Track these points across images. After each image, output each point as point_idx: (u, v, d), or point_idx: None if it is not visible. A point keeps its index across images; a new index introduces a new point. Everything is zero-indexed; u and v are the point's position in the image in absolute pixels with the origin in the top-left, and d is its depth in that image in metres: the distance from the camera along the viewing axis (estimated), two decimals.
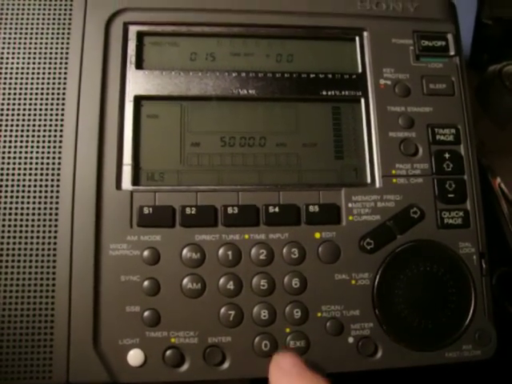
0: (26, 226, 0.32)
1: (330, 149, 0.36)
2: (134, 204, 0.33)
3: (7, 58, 0.34)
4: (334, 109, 0.36)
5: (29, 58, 0.34)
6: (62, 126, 0.33)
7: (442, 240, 0.34)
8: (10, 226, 0.32)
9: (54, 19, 0.35)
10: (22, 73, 0.34)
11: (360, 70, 0.37)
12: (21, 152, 0.33)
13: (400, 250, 0.34)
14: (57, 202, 0.32)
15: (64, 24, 0.35)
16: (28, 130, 0.33)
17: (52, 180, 0.32)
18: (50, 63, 0.34)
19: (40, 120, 0.33)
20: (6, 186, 0.32)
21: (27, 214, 0.32)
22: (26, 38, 0.35)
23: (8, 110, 0.33)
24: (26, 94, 0.34)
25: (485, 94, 0.48)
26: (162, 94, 0.35)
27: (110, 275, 0.32)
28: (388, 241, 0.34)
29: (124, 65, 0.35)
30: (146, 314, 0.32)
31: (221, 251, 0.33)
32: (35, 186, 0.32)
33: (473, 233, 0.35)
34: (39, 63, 0.34)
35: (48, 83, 0.34)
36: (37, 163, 0.33)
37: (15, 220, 0.32)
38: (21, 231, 0.32)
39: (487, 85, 0.48)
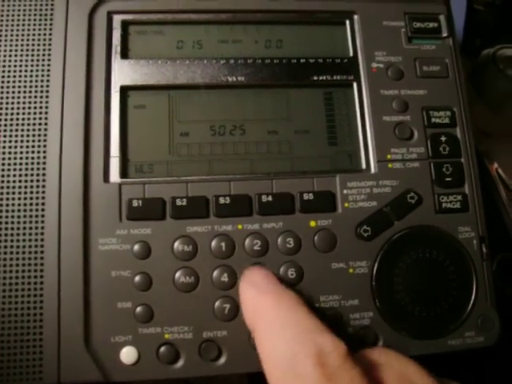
0: (12, 222, 0.31)
1: (322, 135, 0.35)
2: (122, 197, 0.32)
3: None
4: (326, 94, 0.35)
5: (11, 51, 0.33)
6: (46, 118, 0.32)
7: (440, 225, 0.33)
8: None
9: (35, 10, 0.34)
10: (5, 65, 0.33)
11: (351, 54, 0.36)
12: (4, 147, 0.32)
13: (398, 236, 0.33)
14: (43, 197, 0.31)
15: (46, 15, 0.34)
16: (12, 124, 0.32)
17: (37, 174, 0.31)
18: (32, 55, 0.33)
19: (24, 113, 0.32)
20: None
21: (13, 211, 0.31)
22: (7, 30, 0.34)
23: None
24: (8, 86, 0.33)
25: (479, 79, 0.48)
26: (148, 83, 0.34)
27: (99, 271, 0.31)
28: (385, 227, 0.33)
29: (109, 55, 0.34)
30: (139, 309, 0.31)
31: (213, 243, 0.32)
32: (20, 181, 0.31)
33: (472, 217, 0.34)
34: (21, 55, 0.33)
35: (31, 75, 0.33)
36: (21, 157, 0.32)
37: (0, 217, 0.31)
38: (6, 228, 0.31)
39: (481, 69, 0.48)
